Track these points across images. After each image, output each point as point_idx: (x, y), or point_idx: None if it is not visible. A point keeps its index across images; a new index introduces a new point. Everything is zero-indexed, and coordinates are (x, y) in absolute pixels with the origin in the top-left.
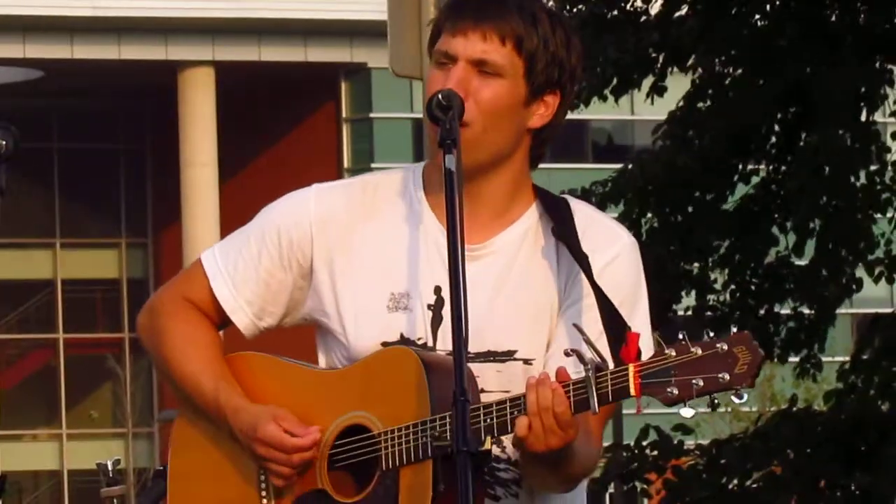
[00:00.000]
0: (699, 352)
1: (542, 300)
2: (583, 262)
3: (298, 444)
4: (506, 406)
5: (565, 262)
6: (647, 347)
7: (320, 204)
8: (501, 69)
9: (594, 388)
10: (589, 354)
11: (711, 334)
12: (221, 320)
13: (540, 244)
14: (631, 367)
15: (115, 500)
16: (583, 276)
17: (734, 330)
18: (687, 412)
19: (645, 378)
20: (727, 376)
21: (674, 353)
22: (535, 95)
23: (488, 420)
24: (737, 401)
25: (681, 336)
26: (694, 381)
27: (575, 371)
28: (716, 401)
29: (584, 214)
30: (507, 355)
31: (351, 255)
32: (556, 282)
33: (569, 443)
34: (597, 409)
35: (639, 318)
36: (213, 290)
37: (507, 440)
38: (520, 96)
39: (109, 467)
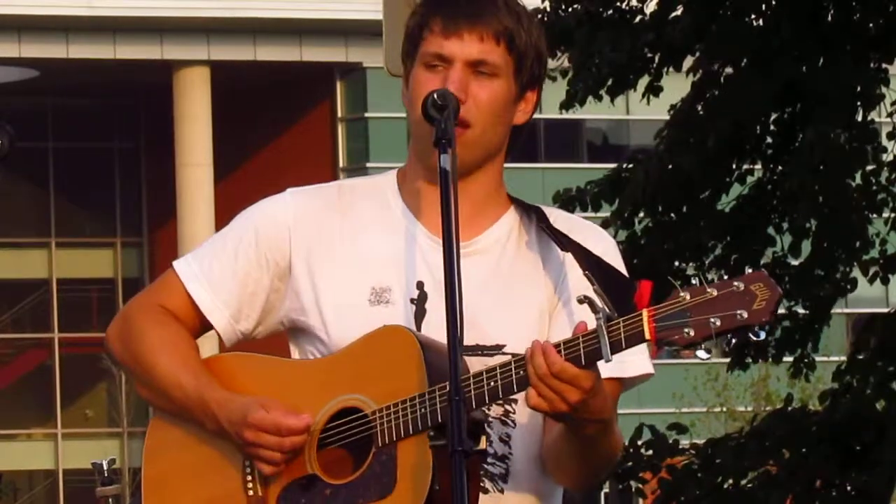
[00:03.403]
0: (715, 292)
1: (531, 296)
2: (573, 245)
3: (292, 425)
4: (510, 367)
5: (552, 260)
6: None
7: (297, 203)
8: (498, 69)
9: (606, 335)
10: (600, 303)
11: (726, 277)
12: (198, 327)
13: (524, 241)
14: (645, 312)
15: (110, 500)
16: (571, 272)
17: (749, 270)
18: (703, 354)
19: (659, 322)
20: (745, 314)
21: (688, 296)
22: (522, 92)
23: (492, 383)
24: (754, 339)
25: (695, 280)
26: (711, 320)
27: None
28: (732, 340)
29: (562, 218)
30: (496, 349)
31: (329, 252)
32: (545, 278)
33: (591, 392)
34: (610, 357)
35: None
36: (189, 293)
37: (494, 435)
38: (512, 95)
39: (105, 466)
